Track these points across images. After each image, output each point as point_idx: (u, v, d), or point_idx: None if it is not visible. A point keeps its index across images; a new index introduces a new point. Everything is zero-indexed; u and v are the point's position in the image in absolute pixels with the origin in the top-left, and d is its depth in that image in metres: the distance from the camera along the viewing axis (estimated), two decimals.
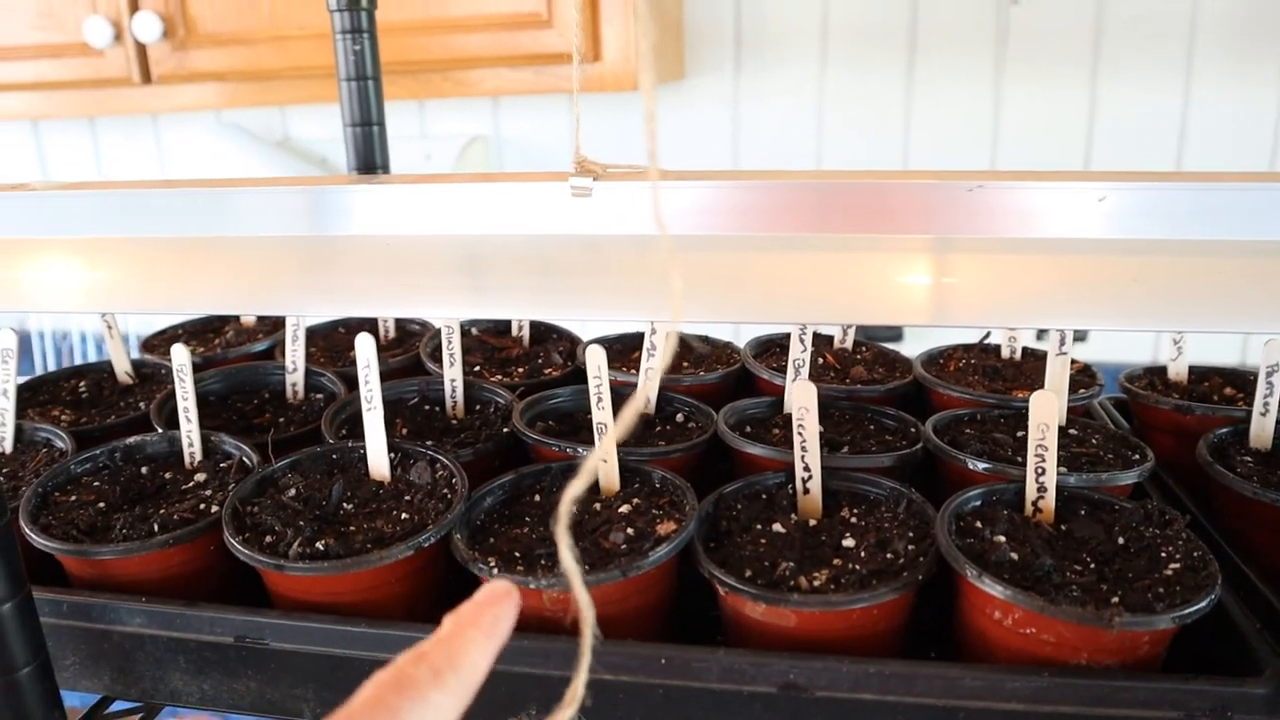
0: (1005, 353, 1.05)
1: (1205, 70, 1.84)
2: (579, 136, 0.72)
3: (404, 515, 0.75)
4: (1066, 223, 0.63)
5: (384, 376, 1.04)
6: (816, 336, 1.10)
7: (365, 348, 0.80)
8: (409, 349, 1.11)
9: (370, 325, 1.20)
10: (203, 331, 1.20)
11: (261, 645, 0.70)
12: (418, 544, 0.69)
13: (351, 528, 0.74)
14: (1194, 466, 0.83)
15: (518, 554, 0.70)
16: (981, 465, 0.78)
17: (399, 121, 2.34)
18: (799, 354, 0.92)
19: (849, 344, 1.08)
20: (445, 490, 0.77)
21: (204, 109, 2.37)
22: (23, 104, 2.24)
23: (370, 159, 1.19)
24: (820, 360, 1.03)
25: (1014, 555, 0.67)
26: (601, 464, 0.79)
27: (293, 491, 0.78)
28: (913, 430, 0.88)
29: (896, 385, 0.96)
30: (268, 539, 0.72)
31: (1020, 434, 0.86)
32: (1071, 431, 0.87)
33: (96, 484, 0.83)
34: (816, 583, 0.66)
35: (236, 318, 1.22)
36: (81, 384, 1.06)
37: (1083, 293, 0.65)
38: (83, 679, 0.79)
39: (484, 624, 0.44)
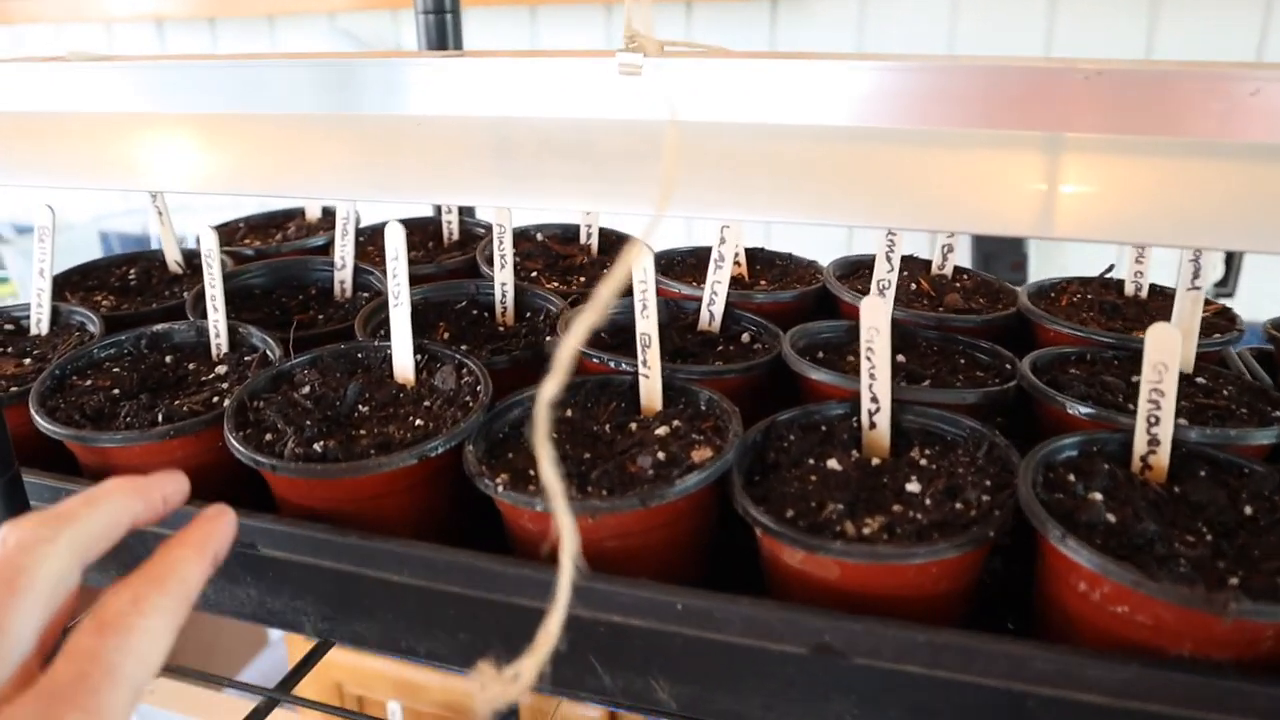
0: (1129, 289, 0.91)
1: None
2: (631, 4, 0.62)
3: (419, 422, 0.68)
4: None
5: (437, 277, 0.98)
6: (912, 260, 0.98)
7: (394, 238, 0.73)
8: (468, 252, 1.03)
9: (433, 226, 1.13)
10: (265, 226, 1.15)
11: (252, 551, 0.65)
12: (422, 453, 0.62)
13: (361, 431, 0.68)
14: None
15: (532, 472, 0.63)
16: (1084, 410, 0.67)
17: (509, 34, 2.25)
18: (884, 273, 0.81)
19: (949, 270, 0.96)
20: (468, 398, 0.70)
21: (313, 12, 2.34)
22: (144, 4, 2.24)
23: (443, 47, 1.11)
24: (914, 286, 0.92)
25: (1111, 516, 0.56)
26: (644, 379, 0.71)
27: (307, 389, 0.72)
28: (1008, 367, 0.76)
29: (995, 317, 0.84)
30: (268, 437, 0.66)
31: (1136, 379, 0.74)
32: (1199, 380, 0.74)
33: (116, 370, 0.79)
34: (867, 530, 0.56)
35: (302, 212, 1.17)
36: (131, 271, 1.02)
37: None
38: (91, 572, 0.76)
39: (192, 542, 0.46)
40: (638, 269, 0.69)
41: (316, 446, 0.64)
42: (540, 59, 0.62)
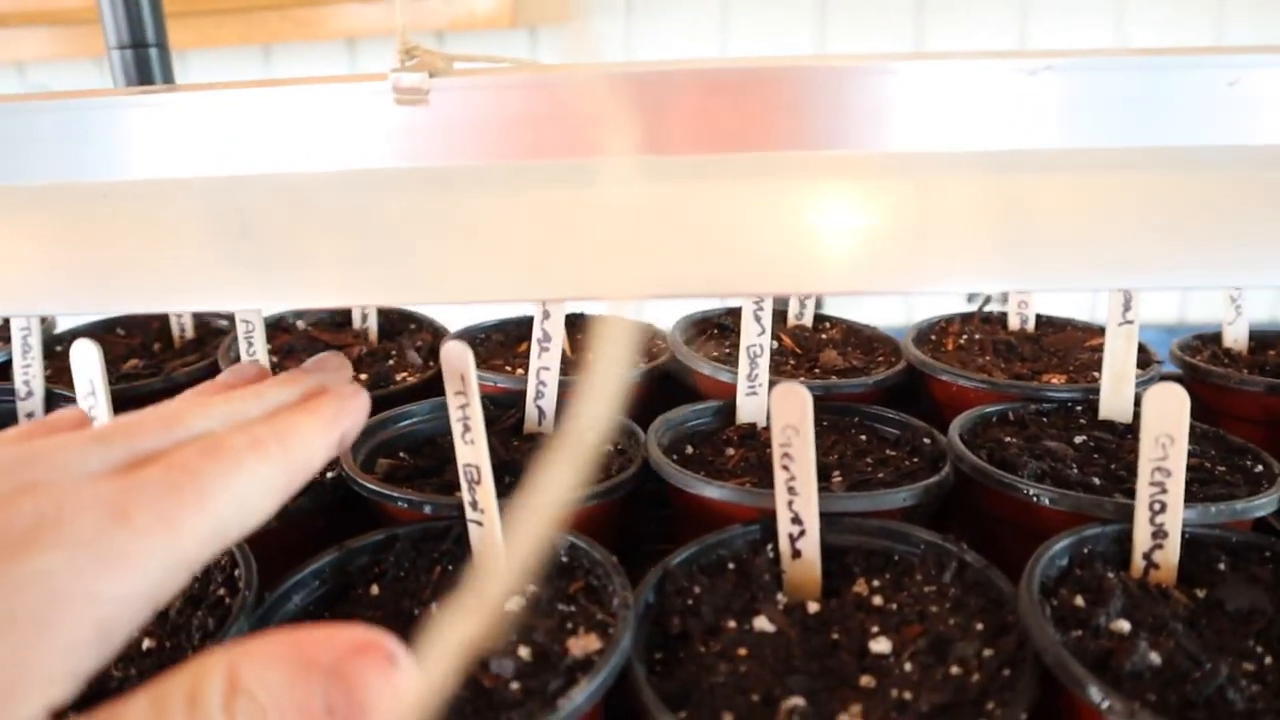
0: (1014, 323, 0.79)
1: None
2: (400, 10, 0.43)
3: (147, 643, 0.45)
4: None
5: (169, 394, 0.73)
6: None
7: (84, 360, 0.50)
8: (209, 354, 0.80)
9: (158, 323, 0.88)
10: None
11: None
12: None
13: None
14: None
15: None
16: (1059, 499, 0.52)
17: (239, 76, 1.98)
18: (754, 338, 0.65)
19: (808, 319, 0.81)
20: (221, 590, 0.48)
21: None
22: None
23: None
24: (775, 343, 0.76)
25: (1154, 656, 0.42)
26: (476, 528, 0.51)
27: None
28: (926, 442, 0.61)
29: (888, 376, 0.70)
30: None
31: (1079, 439, 0.61)
32: None
33: None
34: None
35: None
36: None
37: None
38: None
39: (325, 415, 0.37)
40: (453, 379, 0.49)
41: None
42: (279, 89, 0.42)
